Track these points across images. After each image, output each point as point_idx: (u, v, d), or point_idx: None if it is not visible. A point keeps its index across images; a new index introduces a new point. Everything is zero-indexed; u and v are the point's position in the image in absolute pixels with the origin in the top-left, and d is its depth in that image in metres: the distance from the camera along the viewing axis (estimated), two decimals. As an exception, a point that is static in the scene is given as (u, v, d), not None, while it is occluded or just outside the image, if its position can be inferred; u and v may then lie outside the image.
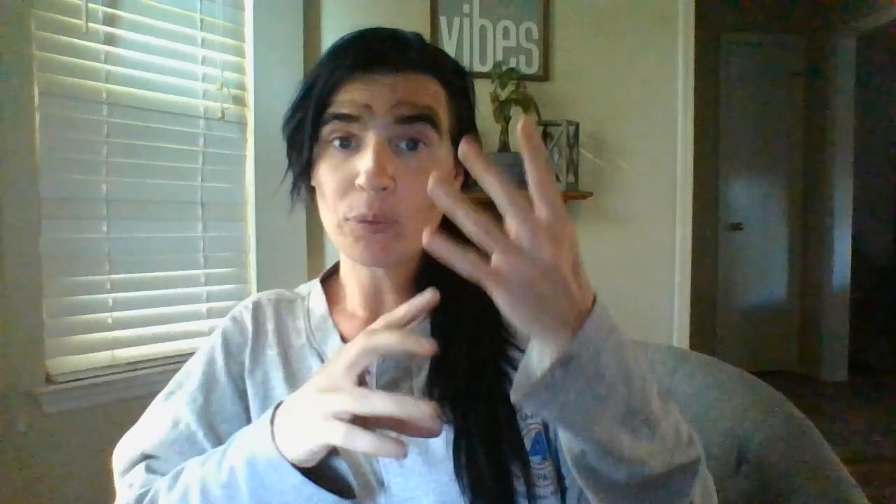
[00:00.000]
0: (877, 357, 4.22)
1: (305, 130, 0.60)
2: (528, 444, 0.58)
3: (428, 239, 0.37)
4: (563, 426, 0.44)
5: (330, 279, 0.74)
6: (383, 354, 0.48)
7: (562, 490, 0.60)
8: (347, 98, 0.58)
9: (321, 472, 0.49)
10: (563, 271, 0.40)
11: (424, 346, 0.45)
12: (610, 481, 0.46)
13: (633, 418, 0.44)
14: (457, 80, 0.64)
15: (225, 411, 0.63)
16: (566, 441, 0.47)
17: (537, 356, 0.44)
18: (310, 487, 0.47)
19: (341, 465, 0.50)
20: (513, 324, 0.42)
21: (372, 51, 0.59)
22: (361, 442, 0.44)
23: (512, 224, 0.38)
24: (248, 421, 0.63)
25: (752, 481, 0.77)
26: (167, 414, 0.63)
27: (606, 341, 0.41)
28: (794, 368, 4.14)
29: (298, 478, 0.47)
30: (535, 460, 0.58)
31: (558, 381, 0.40)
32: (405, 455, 0.44)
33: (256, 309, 0.69)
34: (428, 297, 0.49)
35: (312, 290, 0.72)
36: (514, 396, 0.43)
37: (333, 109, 0.58)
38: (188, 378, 0.66)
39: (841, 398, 3.70)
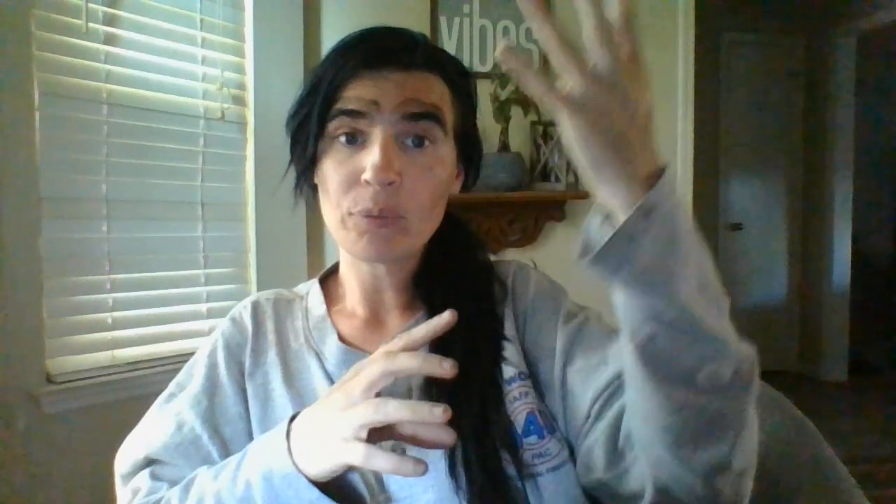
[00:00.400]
0: (877, 357, 4.22)
1: (311, 126, 0.60)
2: (519, 426, 0.59)
3: (502, 50, 0.36)
4: (642, 287, 0.40)
5: (328, 279, 0.74)
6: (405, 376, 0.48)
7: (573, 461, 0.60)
8: (355, 94, 0.58)
9: (333, 484, 0.49)
10: (644, 110, 0.38)
11: (446, 368, 0.45)
12: (680, 373, 0.42)
13: (706, 291, 0.41)
14: (461, 81, 0.65)
15: (228, 413, 0.63)
16: (635, 321, 0.42)
17: (599, 221, 0.42)
18: (326, 503, 0.47)
19: (353, 478, 0.51)
20: (582, 165, 0.39)
21: (380, 48, 0.59)
22: (381, 462, 0.44)
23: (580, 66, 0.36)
24: (249, 423, 0.63)
25: (752, 481, 0.77)
26: (170, 417, 0.63)
27: (680, 202, 0.39)
28: (794, 368, 4.13)
29: (315, 493, 0.47)
30: (529, 441, 0.59)
31: (640, 231, 0.37)
32: (425, 472, 0.44)
33: (255, 309, 0.69)
34: (447, 318, 0.49)
35: (311, 290, 0.72)
36: (584, 259, 0.40)
37: (341, 105, 0.58)
38: (190, 380, 0.66)
39: (841, 398, 3.70)
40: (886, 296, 4.35)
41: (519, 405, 0.60)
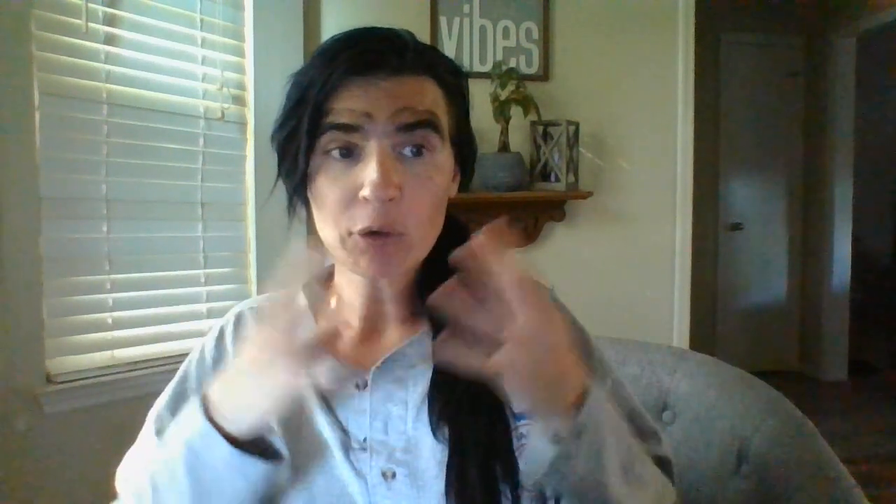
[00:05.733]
0: (877, 357, 4.22)
1: (301, 140, 0.56)
2: (522, 465, 0.57)
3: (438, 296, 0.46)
4: (577, 495, 0.51)
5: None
6: None
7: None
8: (346, 106, 0.54)
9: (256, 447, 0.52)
10: (563, 345, 0.48)
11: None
12: None
13: (628, 472, 0.53)
14: (453, 80, 0.62)
15: None
16: None
17: (539, 439, 0.50)
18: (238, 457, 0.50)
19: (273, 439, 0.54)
20: (519, 403, 0.49)
21: (368, 53, 0.56)
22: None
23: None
24: None
25: (752, 481, 0.77)
26: (144, 433, 0.64)
27: (606, 409, 0.51)
28: (794, 368, 4.13)
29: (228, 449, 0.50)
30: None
31: (573, 451, 0.48)
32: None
33: (238, 321, 0.68)
34: None
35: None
36: (530, 478, 0.51)
37: (331, 119, 0.55)
38: (165, 393, 0.67)
39: (841, 398, 3.70)
40: (886, 296, 4.35)
41: (525, 442, 0.58)
